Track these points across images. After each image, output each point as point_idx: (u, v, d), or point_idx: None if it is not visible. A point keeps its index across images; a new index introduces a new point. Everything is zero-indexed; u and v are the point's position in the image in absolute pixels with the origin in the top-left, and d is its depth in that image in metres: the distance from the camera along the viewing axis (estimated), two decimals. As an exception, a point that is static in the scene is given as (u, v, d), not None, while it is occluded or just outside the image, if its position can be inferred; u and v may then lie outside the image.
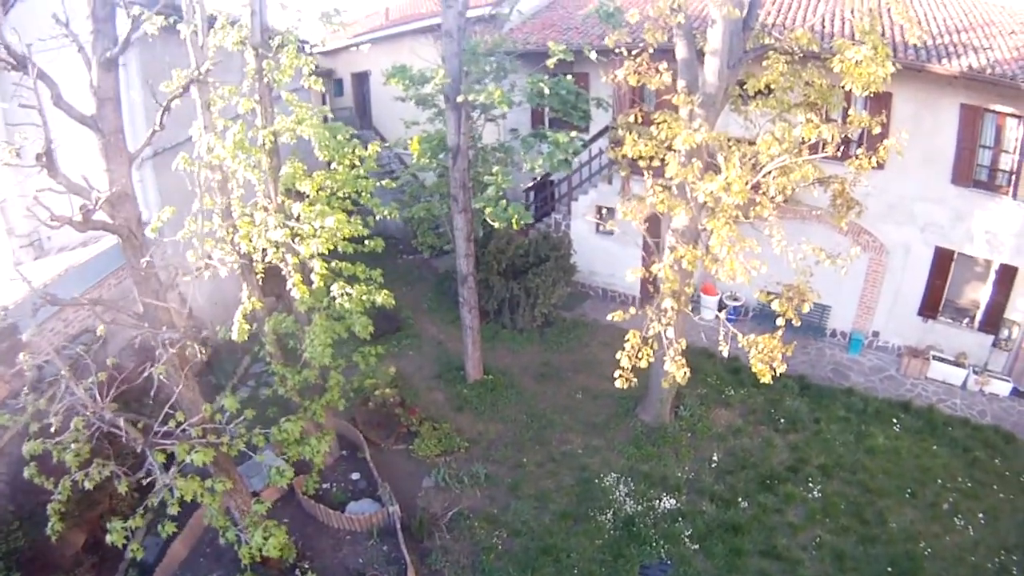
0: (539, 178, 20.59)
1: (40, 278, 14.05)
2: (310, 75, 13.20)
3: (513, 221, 13.69)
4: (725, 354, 12.28)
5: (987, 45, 17.04)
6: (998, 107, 16.51)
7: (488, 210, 14.02)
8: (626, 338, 11.72)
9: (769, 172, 12.03)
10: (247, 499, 12.61)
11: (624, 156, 12.75)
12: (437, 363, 18.66)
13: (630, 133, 12.21)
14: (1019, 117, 16.49)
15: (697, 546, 13.67)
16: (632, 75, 12.71)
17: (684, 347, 12.16)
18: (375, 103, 23.16)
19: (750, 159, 12.47)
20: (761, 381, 12.08)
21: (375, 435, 15.78)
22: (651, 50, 12.87)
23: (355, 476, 15.23)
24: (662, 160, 12.31)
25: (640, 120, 14.29)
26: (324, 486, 14.93)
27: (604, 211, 19.93)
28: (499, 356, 19.09)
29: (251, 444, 10.94)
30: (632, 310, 12.03)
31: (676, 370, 11.97)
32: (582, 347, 19.56)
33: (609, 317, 12.06)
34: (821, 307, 19.50)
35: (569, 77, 16.55)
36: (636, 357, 11.68)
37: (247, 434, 10.91)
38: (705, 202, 11.88)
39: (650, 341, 11.79)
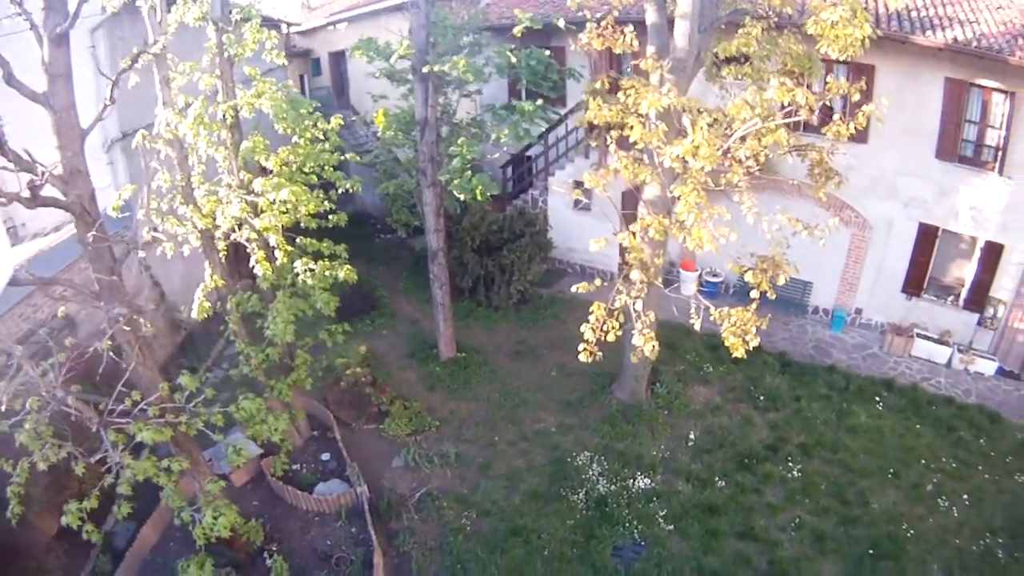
0: (515, 153, 19.53)
1: (12, 263, 13.35)
2: (272, 49, 12.47)
3: (477, 192, 12.74)
4: (697, 327, 11.32)
5: (973, 19, 16.01)
6: (984, 81, 15.53)
7: (453, 182, 13.06)
8: (591, 310, 10.76)
9: (741, 137, 11.04)
10: (208, 477, 11.74)
11: (591, 124, 11.76)
12: (411, 342, 17.75)
13: (594, 99, 11.20)
14: (1006, 92, 15.48)
15: (672, 527, 12.80)
16: (596, 39, 11.73)
17: (653, 320, 11.19)
18: (352, 82, 22.39)
19: (723, 126, 11.53)
20: (735, 356, 11.17)
21: (346, 415, 14.90)
22: (616, 13, 11.89)
23: (325, 457, 14.38)
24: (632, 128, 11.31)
25: (609, 87, 13.29)
26: (294, 467, 14.10)
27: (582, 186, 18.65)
28: (474, 334, 18.16)
29: (210, 423, 10.24)
30: (597, 282, 11.04)
31: (644, 344, 11.01)
32: (558, 324, 18.55)
33: (573, 289, 11.10)
34: (802, 283, 18.55)
35: (548, 52, 15.69)
36: (601, 330, 10.70)
37: (206, 413, 10.23)
38: (673, 168, 10.89)
39: (616, 313, 10.81)
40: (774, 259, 11.40)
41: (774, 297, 11.51)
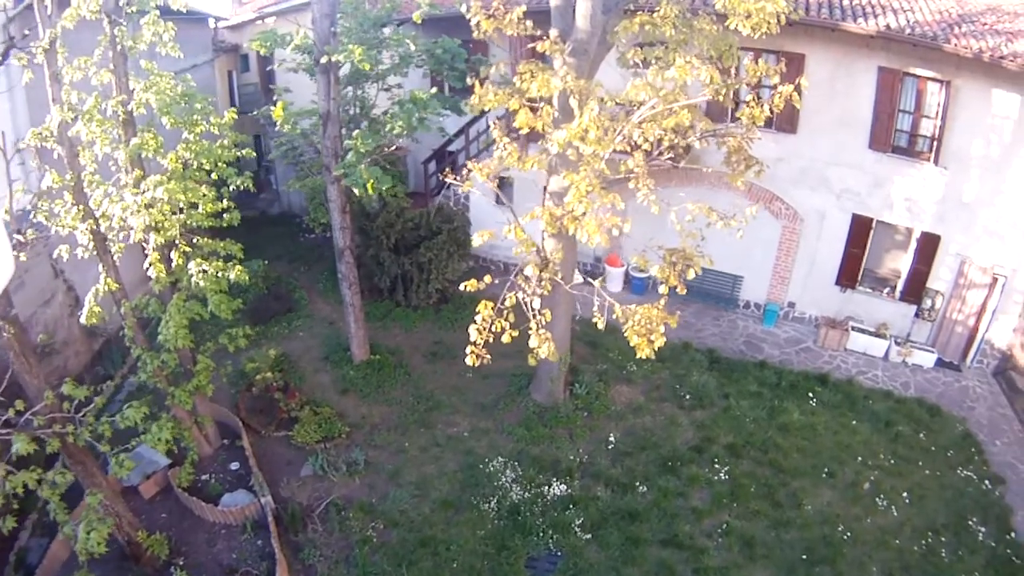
0: (437, 148, 17.80)
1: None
2: (169, 43, 10.86)
3: (369, 186, 11.06)
4: (600, 326, 9.65)
5: (908, 7, 14.52)
6: (918, 71, 14.14)
7: (345, 176, 11.41)
8: (477, 310, 9.09)
9: (641, 122, 9.39)
10: (109, 492, 10.40)
11: (483, 110, 10.11)
12: (326, 344, 16.00)
13: (481, 85, 9.54)
14: (941, 81, 13.99)
15: (590, 535, 11.24)
16: (485, 19, 10.08)
17: (549, 319, 9.50)
18: (280, 78, 20.12)
19: (624, 111, 9.92)
20: (639, 356, 9.49)
21: (257, 422, 13.24)
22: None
23: (234, 466, 12.72)
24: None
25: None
26: (203, 477, 12.46)
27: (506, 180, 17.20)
28: (391, 335, 16.44)
29: (97, 433, 9.23)
30: (488, 278, 9.36)
31: (539, 345, 9.33)
32: None
33: (462, 287, 9.42)
34: (732, 277, 17.03)
35: (467, 44, 14.09)
36: (489, 331, 9.02)
37: (94, 423, 9.23)
38: (563, 154, 9.25)
39: (506, 313, 9.13)
40: (684, 252, 9.78)
41: (684, 292, 9.89)
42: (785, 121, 14.90)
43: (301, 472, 12.48)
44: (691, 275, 9.71)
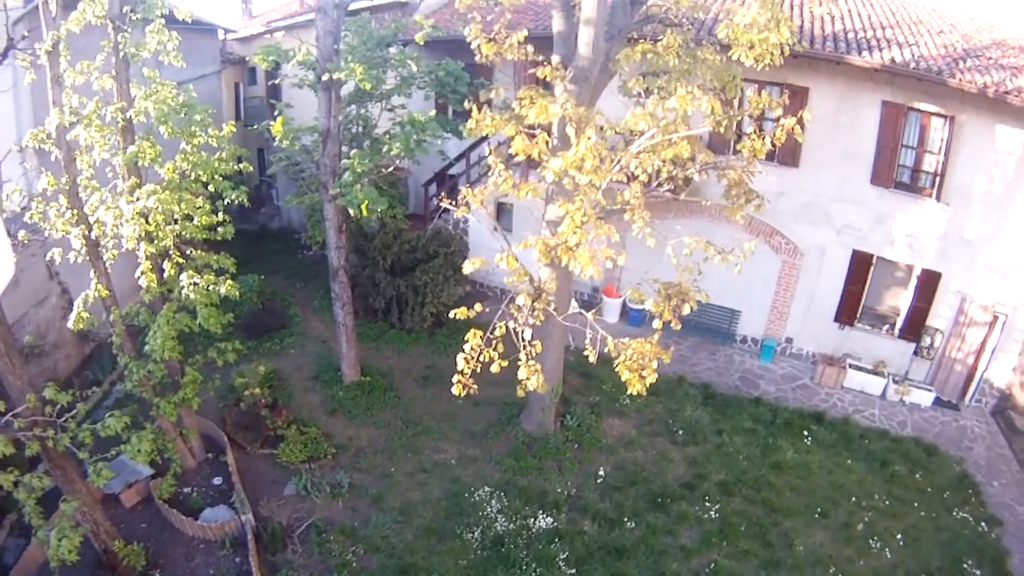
0: (438, 171, 17.37)
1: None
2: (172, 52, 10.63)
3: (363, 208, 10.69)
4: (592, 359, 9.25)
5: (912, 41, 14.16)
6: (922, 105, 13.73)
7: (341, 196, 11.05)
8: (465, 338, 8.70)
9: (639, 152, 9.02)
10: (88, 498, 10.09)
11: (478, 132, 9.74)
12: (317, 363, 15.55)
13: (479, 109, 9.19)
14: (944, 116, 13.61)
15: (574, 571, 10.75)
16: (486, 43, 9.75)
17: (539, 349, 9.09)
18: (286, 92, 20.06)
19: (624, 140, 9.55)
20: (630, 392, 9.11)
21: (243, 438, 12.83)
22: (509, 15, 9.94)
23: (217, 481, 12.30)
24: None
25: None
26: (185, 490, 12.04)
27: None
28: (383, 357, 15.95)
29: (77, 440, 8.96)
30: (478, 307, 8.96)
31: (528, 376, 8.93)
32: None
33: (452, 314, 9.02)
34: (730, 312, 16.54)
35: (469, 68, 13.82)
36: (477, 360, 8.62)
37: (75, 429, 8.96)
38: (558, 182, 8.89)
39: (495, 343, 8.73)
40: (680, 287, 9.38)
41: (679, 327, 9.45)
42: (787, 155, 14.52)
43: (284, 491, 12.04)
44: (686, 310, 9.32)
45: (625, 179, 9.46)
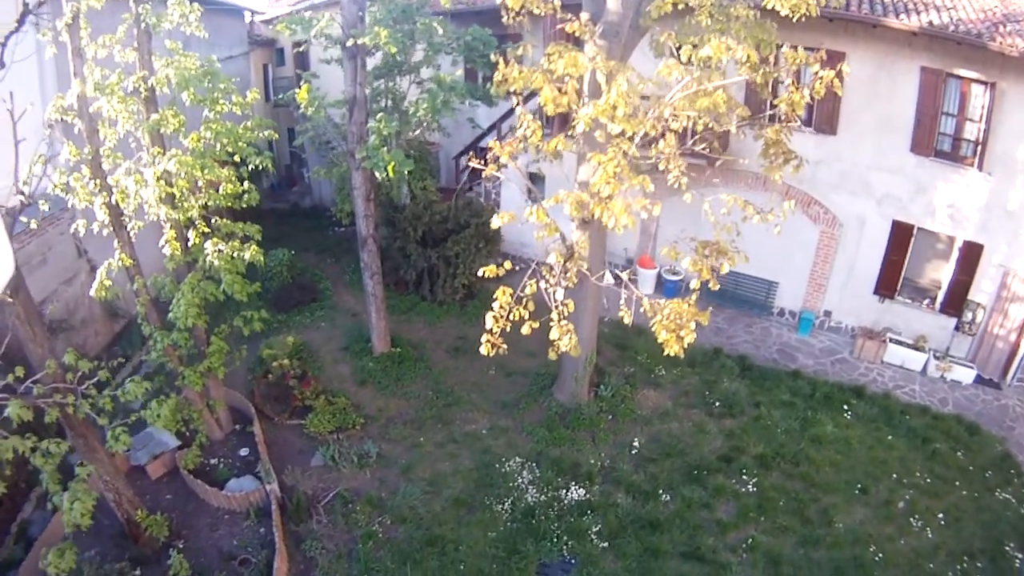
0: (468, 143, 16.65)
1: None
2: (194, 23, 10.06)
3: (389, 169, 10.06)
4: (627, 320, 8.55)
5: (950, 5, 13.16)
6: (962, 71, 12.74)
7: (367, 159, 10.44)
8: (494, 297, 8.04)
9: (672, 102, 8.31)
10: (110, 467, 9.61)
11: (506, 90, 9.02)
12: (347, 335, 14.88)
13: (506, 64, 8.50)
14: (985, 83, 12.61)
15: (606, 544, 10.02)
16: (513, -1, 9.05)
17: (571, 309, 8.39)
18: (314, 71, 19.32)
19: (656, 96, 8.83)
20: (667, 354, 8.39)
21: (271, 409, 12.24)
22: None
23: (244, 452, 11.74)
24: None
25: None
26: (211, 461, 11.53)
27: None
28: (414, 328, 15.25)
29: (98, 407, 8.49)
30: (507, 264, 8.28)
31: (561, 337, 8.24)
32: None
33: (480, 272, 8.36)
34: (767, 283, 15.57)
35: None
36: (506, 319, 7.95)
37: (96, 396, 8.48)
38: (589, 135, 8.17)
39: (525, 301, 8.06)
40: (718, 245, 8.64)
41: (717, 288, 8.70)
42: (825, 121, 13.61)
43: (311, 462, 11.46)
44: (725, 269, 8.59)
45: (659, 132, 8.79)
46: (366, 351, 13.92)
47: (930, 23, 12.29)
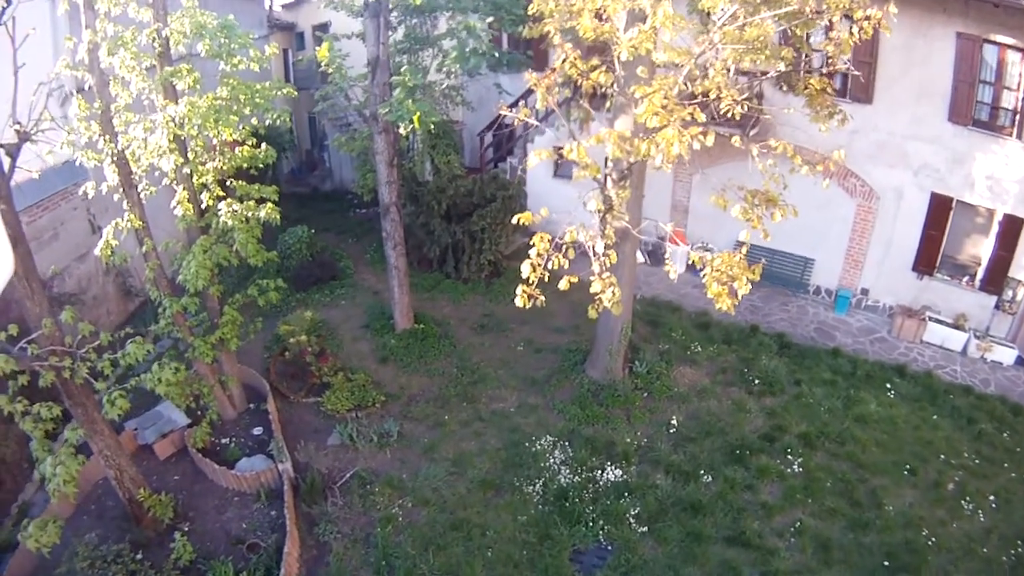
0: (492, 120, 15.27)
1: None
2: None
3: (415, 120, 8.74)
4: (673, 276, 7.17)
5: (988, -33, 11.76)
6: (999, 38, 11.25)
7: (384, 111, 9.14)
8: (531, 242, 6.68)
9: (720, 30, 6.98)
10: (112, 441, 8.38)
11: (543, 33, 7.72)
12: (368, 312, 13.37)
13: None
14: (1022, 50, 11.15)
15: (646, 528, 8.55)
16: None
17: (614, 260, 7.03)
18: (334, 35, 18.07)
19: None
20: (719, 306, 6.98)
21: (287, 387, 10.79)
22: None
23: (257, 431, 10.29)
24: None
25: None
26: (223, 441, 10.11)
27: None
28: (438, 306, 13.75)
29: (96, 370, 7.36)
30: (544, 211, 6.91)
31: (603, 290, 6.85)
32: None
33: (514, 220, 7.01)
34: (803, 260, 13.91)
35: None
36: (544, 268, 6.59)
37: (95, 359, 7.33)
38: (630, 69, 6.83)
39: (565, 249, 6.70)
40: (766, 194, 7.28)
41: (769, 239, 7.29)
42: (860, 90, 12.11)
43: (328, 441, 10.01)
44: (776, 218, 7.22)
45: (704, 71, 7.47)
46: (387, 328, 12.43)
47: (967, -16, 10.98)
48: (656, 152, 6.40)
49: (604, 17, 6.95)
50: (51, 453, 7.08)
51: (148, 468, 9.53)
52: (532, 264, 6.56)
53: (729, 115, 6.81)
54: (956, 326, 12.57)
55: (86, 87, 8.55)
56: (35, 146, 7.43)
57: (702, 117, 6.50)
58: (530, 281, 6.60)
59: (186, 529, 8.65)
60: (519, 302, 6.60)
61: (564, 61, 7.00)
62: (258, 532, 8.65)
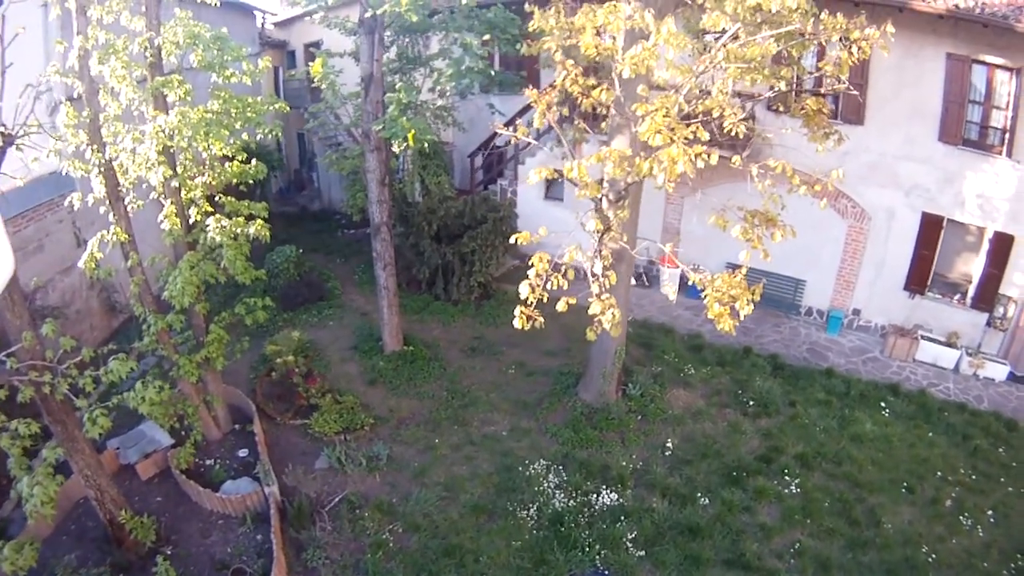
0: (483, 142, 15.17)
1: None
2: None
3: (410, 137, 8.62)
4: (672, 298, 7.07)
5: (976, -12, 11.96)
6: (988, 58, 11.49)
7: (378, 128, 9.01)
8: (529, 262, 6.56)
9: (720, 49, 6.96)
10: (92, 460, 8.10)
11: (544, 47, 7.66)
12: (356, 334, 13.17)
13: (541, 11, 7.12)
14: (1011, 69, 11.39)
15: (643, 552, 8.38)
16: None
17: (614, 281, 6.92)
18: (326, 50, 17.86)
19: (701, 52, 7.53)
20: (720, 327, 6.91)
21: (273, 408, 10.52)
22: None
23: (243, 453, 10.01)
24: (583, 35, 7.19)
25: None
26: (207, 462, 9.82)
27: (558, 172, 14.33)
28: (427, 328, 13.57)
29: (77, 387, 7.07)
30: (543, 231, 6.78)
31: (603, 311, 6.73)
32: None
33: (512, 239, 6.89)
34: (794, 281, 13.95)
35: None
36: (543, 288, 6.47)
37: (76, 375, 7.07)
38: (628, 90, 6.78)
39: (564, 270, 6.59)
40: (765, 214, 7.24)
41: (769, 259, 7.23)
42: (852, 112, 12.21)
43: (315, 464, 9.74)
44: (776, 238, 7.17)
45: (706, 89, 7.45)
46: (376, 350, 12.20)
47: (956, 6, 11.09)
48: (659, 171, 6.33)
49: (604, 36, 6.90)
50: (29, 471, 6.79)
51: (130, 489, 9.26)
52: (531, 285, 6.44)
53: (732, 134, 6.75)
54: (948, 344, 12.61)
55: (75, 95, 8.36)
56: (21, 153, 7.23)
57: (705, 136, 6.44)
58: (528, 302, 6.47)
59: (169, 552, 8.37)
60: (517, 324, 6.45)
61: (565, 78, 6.92)
62: (244, 557, 8.34)
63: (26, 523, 8.40)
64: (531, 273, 6.53)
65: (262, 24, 20.14)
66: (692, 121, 6.92)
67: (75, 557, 8.22)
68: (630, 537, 8.52)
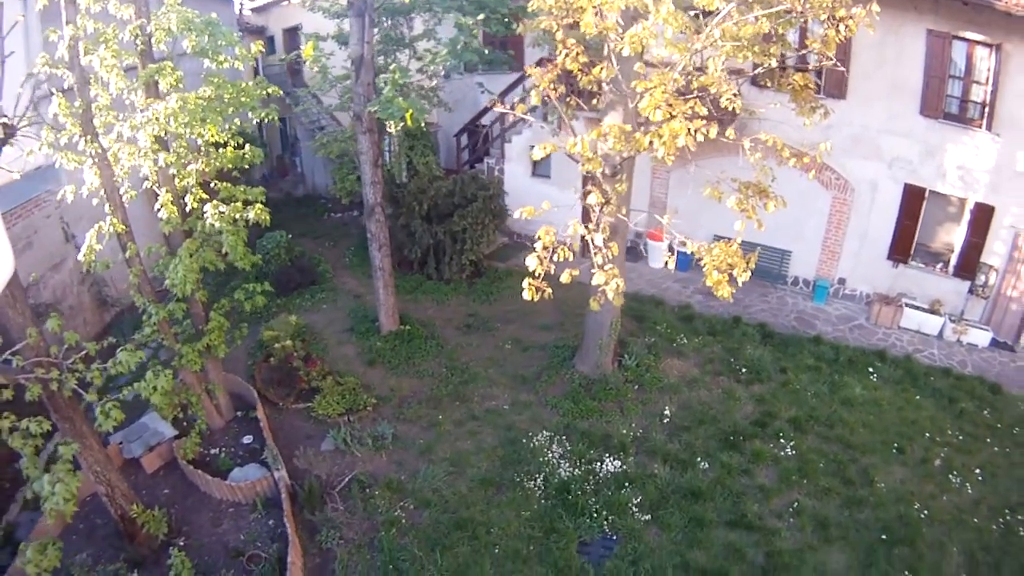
0: (469, 121, 15.46)
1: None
2: None
3: (407, 117, 8.90)
4: (671, 267, 7.47)
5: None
6: (968, 34, 11.95)
7: (374, 108, 9.27)
8: (536, 236, 6.91)
9: (716, 27, 7.34)
10: (101, 456, 8.28)
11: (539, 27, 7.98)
12: (351, 316, 13.47)
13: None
14: (990, 45, 11.89)
15: (648, 516, 8.83)
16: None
17: (616, 252, 7.31)
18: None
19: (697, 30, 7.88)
20: (718, 294, 7.31)
21: (274, 393, 10.80)
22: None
23: (247, 440, 10.28)
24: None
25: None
26: (212, 451, 10.07)
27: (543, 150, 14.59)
28: (422, 307, 13.91)
29: (85, 381, 7.24)
30: (546, 205, 7.13)
31: (606, 282, 7.11)
32: (515, 298, 13.58)
33: (518, 214, 7.22)
34: (781, 252, 14.52)
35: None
36: (549, 261, 6.84)
37: (83, 370, 7.22)
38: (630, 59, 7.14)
39: (570, 241, 6.95)
40: (758, 185, 7.66)
41: (763, 229, 7.66)
42: (834, 87, 12.75)
43: (321, 447, 10.04)
44: (769, 208, 7.60)
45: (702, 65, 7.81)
46: (372, 331, 12.49)
47: (936, -18, 11.63)
48: (659, 145, 6.69)
49: (601, 15, 7.21)
50: (44, 470, 6.92)
51: (137, 482, 9.43)
52: (539, 257, 6.79)
53: (729, 109, 7.13)
54: (932, 311, 13.21)
55: (65, 86, 8.47)
56: (12, 147, 7.34)
57: (704, 110, 6.82)
58: (536, 274, 6.83)
59: (182, 544, 8.57)
60: (526, 295, 6.82)
61: (566, 56, 7.25)
62: (258, 543, 8.60)
63: (34, 526, 8.74)
64: (538, 246, 6.88)
65: (239, 10, 20.11)
66: (689, 97, 7.31)
67: (88, 555, 8.42)
68: (635, 502, 8.97)
